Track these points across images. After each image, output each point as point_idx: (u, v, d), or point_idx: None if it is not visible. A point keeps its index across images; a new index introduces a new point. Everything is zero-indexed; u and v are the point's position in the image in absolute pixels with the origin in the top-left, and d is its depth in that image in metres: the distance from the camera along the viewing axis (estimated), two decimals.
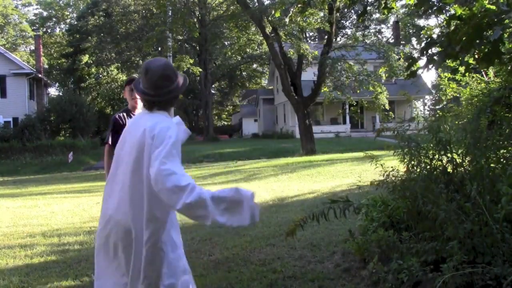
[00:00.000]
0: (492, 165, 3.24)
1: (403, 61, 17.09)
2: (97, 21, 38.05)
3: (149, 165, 2.08)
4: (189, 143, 31.79)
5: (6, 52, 30.18)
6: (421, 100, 36.31)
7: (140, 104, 4.09)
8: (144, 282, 2.15)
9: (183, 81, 2.36)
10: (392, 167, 3.62)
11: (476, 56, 3.44)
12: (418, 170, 3.39)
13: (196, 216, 2.05)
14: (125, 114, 4.00)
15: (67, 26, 46.42)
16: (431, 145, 3.40)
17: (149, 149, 2.12)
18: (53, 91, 43.97)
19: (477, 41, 2.88)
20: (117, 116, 3.98)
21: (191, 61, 26.82)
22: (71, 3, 48.40)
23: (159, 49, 31.91)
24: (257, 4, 18.33)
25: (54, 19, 48.23)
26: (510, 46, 4.18)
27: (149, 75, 2.25)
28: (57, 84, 45.31)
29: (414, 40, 42.94)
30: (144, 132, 2.17)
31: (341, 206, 3.40)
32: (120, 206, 2.20)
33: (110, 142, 3.91)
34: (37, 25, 45.61)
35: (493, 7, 3.01)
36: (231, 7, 25.14)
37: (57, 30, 48.74)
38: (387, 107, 19.16)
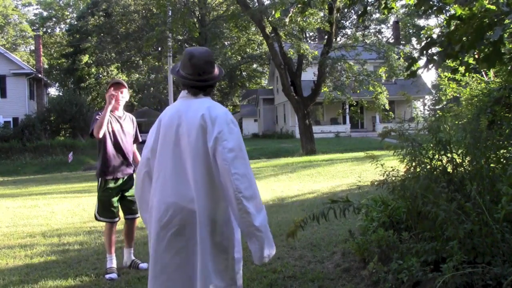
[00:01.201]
0: (492, 165, 3.24)
1: (403, 61, 17.07)
2: (97, 21, 38.04)
3: (216, 148, 2.19)
4: None
5: (6, 52, 30.19)
6: (421, 100, 36.34)
7: (122, 105, 4.14)
8: (221, 257, 2.29)
9: (220, 69, 2.47)
10: (392, 167, 3.62)
11: (476, 56, 3.44)
12: (418, 170, 3.39)
13: (249, 209, 2.20)
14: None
15: (67, 26, 46.42)
16: (431, 145, 3.39)
17: (214, 133, 2.20)
18: (53, 91, 44.03)
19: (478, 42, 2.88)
20: (99, 112, 4.09)
21: None
22: (71, 3, 48.40)
23: (159, 49, 31.92)
24: (257, 4, 18.32)
25: (54, 19, 48.23)
26: (511, 46, 4.18)
27: (195, 60, 2.33)
28: (57, 84, 45.31)
29: (414, 40, 42.96)
30: (203, 117, 2.24)
31: (341, 206, 3.40)
32: (183, 191, 2.25)
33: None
34: (37, 25, 45.63)
35: (493, 7, 3.01)
36: (231, 7, 25.11)
37: (57, 30, 48.80)
38: (387, 107, 19.15)
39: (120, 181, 4.12)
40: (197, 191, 2.23)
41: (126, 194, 4.15)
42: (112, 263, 4.06)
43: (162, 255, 2.30)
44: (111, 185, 4.07)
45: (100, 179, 4.09)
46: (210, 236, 2.25)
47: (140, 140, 4.36)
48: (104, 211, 4.08)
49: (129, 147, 4.19)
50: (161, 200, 2.31)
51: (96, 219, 4.17)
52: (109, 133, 4.05)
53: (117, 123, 4.11)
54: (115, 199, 4.09)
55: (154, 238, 2.32)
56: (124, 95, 4.14)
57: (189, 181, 2.25)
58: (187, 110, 2.32)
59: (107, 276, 3.92)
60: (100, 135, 3.94)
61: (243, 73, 45.87)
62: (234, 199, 2.17)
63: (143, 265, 4.17)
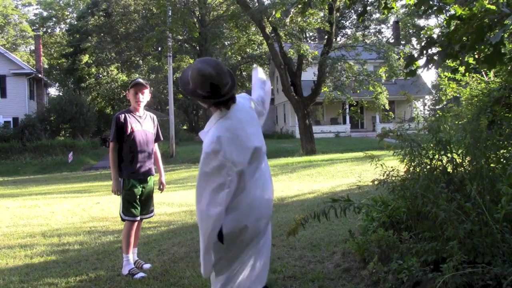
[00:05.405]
0: (492, 165, 3.24)
1: (403, 61, 17.07)
2: (97, 21, 38.04)
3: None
4: (189, 143, 31.77)
5: (6, 52, 30.19)
6: (421, 100, 36.36)
7: (142, 106, 4.16)
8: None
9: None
10: (392, 167, 3.62)
11: (477, 57, 3.44)
12: (418, 170, 3.39)
13: None
14: (127, 114, 4.13)
15: (67, 26, 46.45)
16: (431, 145, 3.39)
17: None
18: (53, 91, 44.06)
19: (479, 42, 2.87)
20: (119, 115, 4.11)
21: (191, 61, 26.79)
22: (71, 3, 48.40)
23: (159, 49, 31.91)
24: (257, 4, 18.31)
25: (54, 19, 48.24)
26: (511, 46, 4.18)
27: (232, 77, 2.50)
28: (57, 84, 45.33)
29: (414, 40, 42.96)
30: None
31: (341, 205, 3.40)
32: (270, 189, 2.58)
33: (115, 140, 4.05)
34: (37, 25, 45.61)
35: (493, 7, 3.01)
36: (231, 7, 25.09)
37: (57, 30, 48.82)
38: (387, 107, 19.15)
39: (142, 181, 4.12)
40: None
41: (145, 192, 4.15)
42: (132, 263, 4.07)
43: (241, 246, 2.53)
44: (135, 183, 4.06)
45: (123, 179, 4.07)
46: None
47: (162, 138, 4.39)
48: (130, 209, 4.04)
49: (150, 146, 4.20)
50: (260, 206, 2.48)
51: (122, 219, 4.12)
52: (130, 135, 4.05)
53: (137, 122, 4.13)
54: (138, 198, 4.09)
55: (253, 241, 2.53)
56: (145, 96, 4.17)
57: (271, 183, 2.63)
58: (252, 118, 2.66)
59: (138, 276, 3.89)
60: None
61: (243, 73, 45.90)
62: None
63: (147, 266, 4.17)
